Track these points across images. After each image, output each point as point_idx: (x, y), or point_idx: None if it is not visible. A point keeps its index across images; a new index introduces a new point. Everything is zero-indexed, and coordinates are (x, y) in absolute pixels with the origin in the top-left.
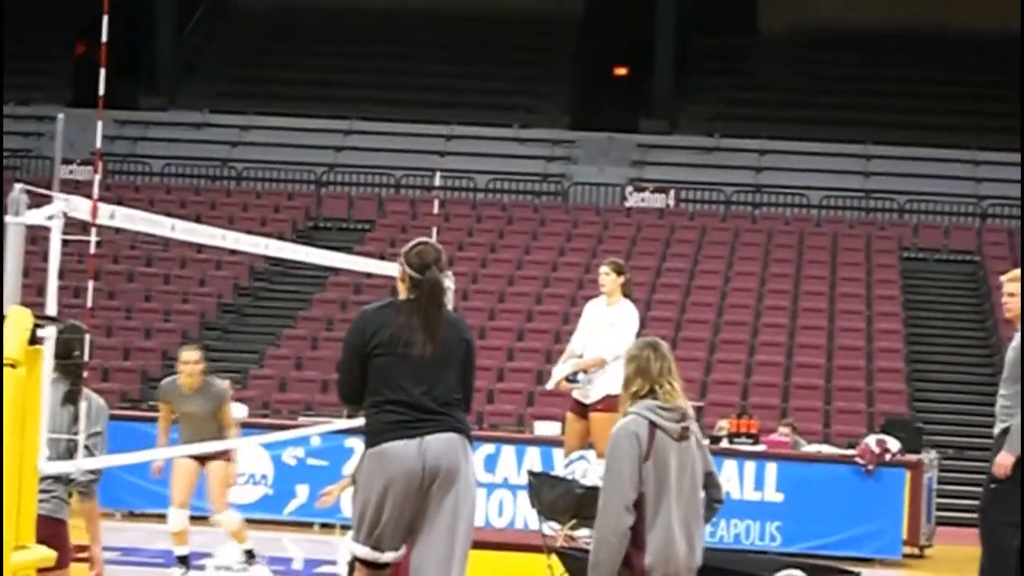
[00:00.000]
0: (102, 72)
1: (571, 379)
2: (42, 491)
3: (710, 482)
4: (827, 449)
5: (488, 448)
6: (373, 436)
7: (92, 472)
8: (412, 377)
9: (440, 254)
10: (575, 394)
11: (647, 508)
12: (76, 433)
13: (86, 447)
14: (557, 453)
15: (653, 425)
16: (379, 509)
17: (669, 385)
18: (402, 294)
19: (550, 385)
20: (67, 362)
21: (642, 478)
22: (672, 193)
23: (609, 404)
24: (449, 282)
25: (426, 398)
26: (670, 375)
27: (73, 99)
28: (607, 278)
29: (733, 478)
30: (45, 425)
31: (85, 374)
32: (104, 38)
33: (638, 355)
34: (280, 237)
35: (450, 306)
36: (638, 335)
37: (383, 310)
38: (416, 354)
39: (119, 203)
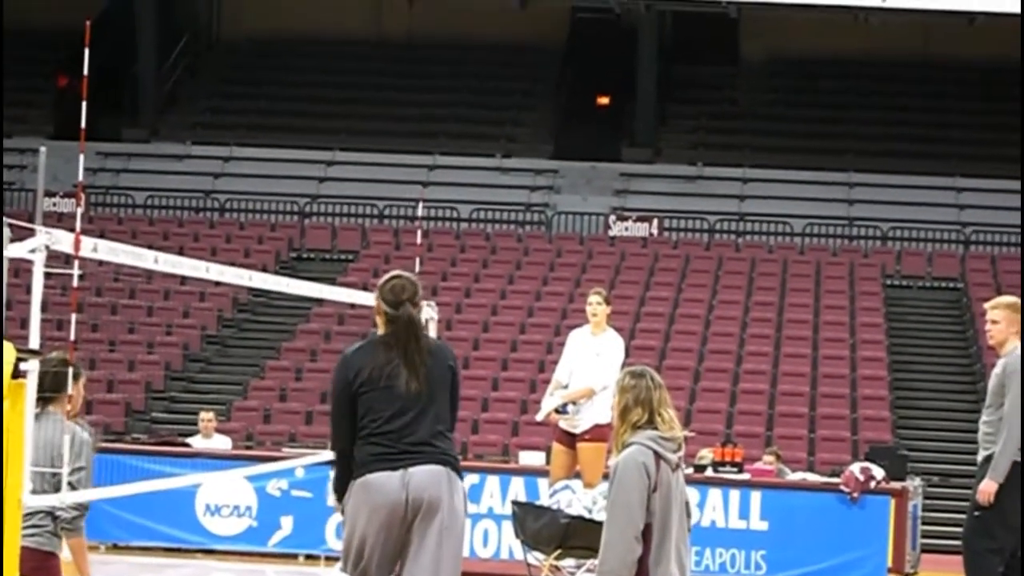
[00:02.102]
0: (84, 105)
1: (560, 410)
2: (34, 525)
3: (686, 510)
4: (811, 477)
5: (473, 478)
6: (359, 467)
7: (77, 507)
8: (396, 409)
9: (415, 288)
10: (562, 424)
11: (652, 539)
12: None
13: (69, 483)
14: (542, 483)
15: (658, 455)
16: (364, 540)
17: (667, 414)
18: (380, 328)
19: (540, 417)
20: (43, 395)
21: (650, 509)
22: (655, 222)
23: (597, 434)
24: (432, 312)
25: (409, 430)
26: (667, 404)
27: (55, 132)
28: (600, 308)
29: (718, 507)
30: (28, 459)
31: (69, 407)
32: (86, 71)
33: (637, 384)
34: (263, 268)
35: (433, 333)
36: (623, 364)
37: (362, 350)
38: (400, 388)
39: (102, 235)
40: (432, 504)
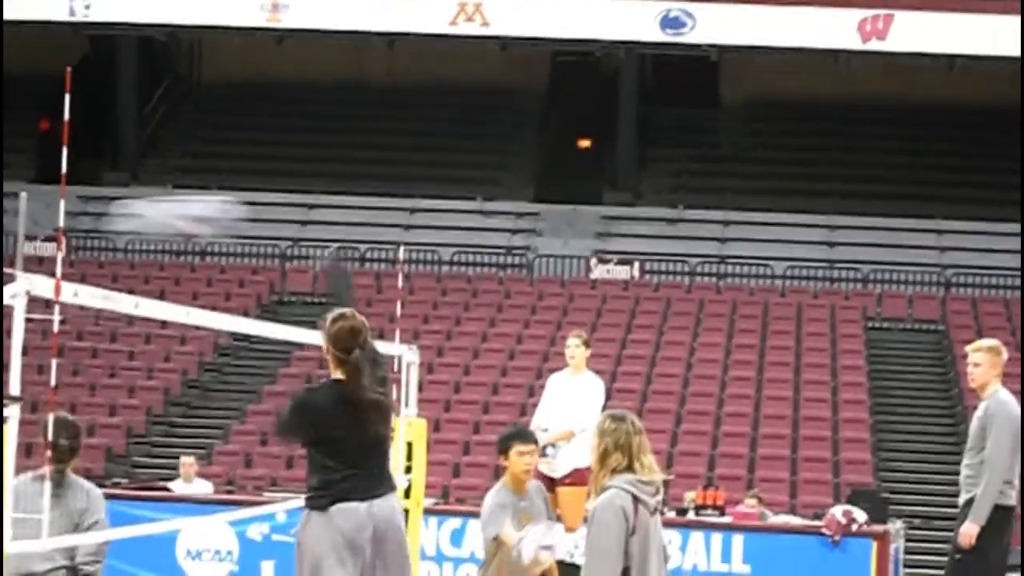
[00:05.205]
0: (64, 151)
1: (542, 453)
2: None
3: (663, 553)
4: (793, 520)
5: (454, 522)
6: (321, 497)
7: (95, 555)
8: (356, 450)
9: (364, 330)
10: (542, 468)
11: None
12: (79, 526)
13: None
14: None
15: (636, 499)
16: (323, 566)
17: (647, 460)
18: (332, 370)
19: None
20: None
21: (628, 553)
22: (636, 265)
23: (577, 477)
24: (413, 356)
25: (370, 466)
26: (646, 449)
27: (36, 175)
28: (577, 350)
29: (700, 550)
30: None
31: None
32: (67, 116)
33: (617, 428)
34: (245, 312)
35: (414, 378)
36: (604, 407)
37: (319, 394)
38: (356, 431)
39: (83, 279)
40: (394, 534)
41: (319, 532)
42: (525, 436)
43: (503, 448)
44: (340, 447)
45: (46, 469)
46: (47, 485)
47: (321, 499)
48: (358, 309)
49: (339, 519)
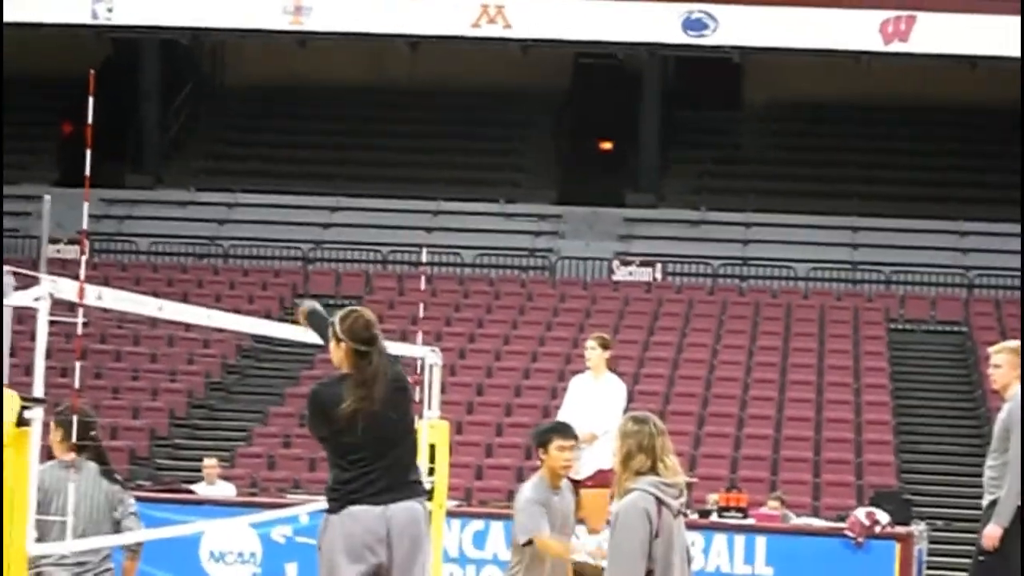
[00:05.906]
0: (88, 153)
1: None
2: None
3: (687, 555)
4: (816, 522)
5: (477, 524)
6: (338, 499)
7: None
8: (375, 449)
9: (376, 323)
10: None
11: None
12: (115, 510)
13: (129, 527)
14: None
15: (660, 501)
16: (339, 569)
17: (670, 461)
18: (345, 366)
19: None
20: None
21: (652, 556)
22: (659, 266)
23: (600, 479)
24: (436, 358)
25: (388, 467)
26: (669, 451)
27: (60, 178)
28: (593, 352)
29: (723, 552)
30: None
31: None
32: (90, 119)
33: (640, 430)
34: (267, 314)
35: (436, 380)
36: (626, 409)
37: (331, 386)
38: (375, 428)
39: (106, 282)
40: (409, 539)
41: (333, 535)
42: (565, 431)
43: (542, 442)
44: (351, 445)
45: (69, 457)
46: (74, 471)
47: (335, 501)
48: (376, 312)
49: (351, 522)
